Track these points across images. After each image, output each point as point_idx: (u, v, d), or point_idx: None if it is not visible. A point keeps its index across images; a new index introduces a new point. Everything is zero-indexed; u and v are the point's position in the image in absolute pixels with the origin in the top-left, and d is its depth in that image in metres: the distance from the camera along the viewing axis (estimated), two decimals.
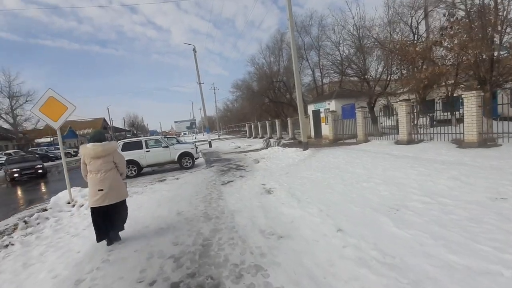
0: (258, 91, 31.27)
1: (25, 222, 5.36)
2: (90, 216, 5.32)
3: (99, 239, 3.83)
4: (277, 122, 24.05)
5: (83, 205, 6.38)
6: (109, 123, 56.08)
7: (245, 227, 3.96)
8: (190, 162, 11.51)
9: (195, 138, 40.89)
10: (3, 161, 19.69)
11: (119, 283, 2.74)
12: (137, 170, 10.72)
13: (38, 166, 14.83)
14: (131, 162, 10.29)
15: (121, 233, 4.05)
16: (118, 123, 69.38)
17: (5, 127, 34.25)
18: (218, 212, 4.88)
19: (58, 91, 6.44)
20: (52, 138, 37.38)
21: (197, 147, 12.49)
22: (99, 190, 3.72)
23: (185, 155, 11.47)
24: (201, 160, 13.62)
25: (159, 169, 12.00)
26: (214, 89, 52.13)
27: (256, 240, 3.46)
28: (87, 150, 3.76)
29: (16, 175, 13.92)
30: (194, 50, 23.57)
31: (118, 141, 10.75)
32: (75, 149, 32.63)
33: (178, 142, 16.48)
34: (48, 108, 6.36)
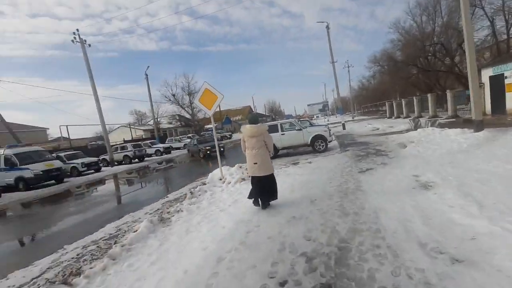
0: (403, 61, 26.09)
1: (191, 193, 6.69)
2: (235, 194, 6.10)
3: (255, 202, 4.70)
4: (429, 97, 19.22)
5: (230, 182, 7.32)
6: (253, 110, 64.61)
7: (395, 234, 3.07)
8: (323, 145, 11.03)
9: (328, 120, 39.68)
10: (187, 142, 26.88)
11: (252, 272, 2.70)
12: (273, 152, 11.38)
13: (221, 145, 19.11)
14: None
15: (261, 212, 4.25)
16: (260, 109, 78.61)
17: (187, 117, 46.23)
18: (356, 206, 4.15)
19: (216, 87, 7.47)
20: (216, 124, 47.40)
21: (330, 130, 11.81)
22: (254, 163, 4.54)
23: (318, 138, 11.09)
24: (334, 143, 12.81)
25: (293, 151, 12.25)
26: (348, 66, 47.83)
27: (415, 257, 2.53)
28: (246, 130, 4.61)
29: (208, 152, 18.32)
30: (327, 27, 22.51)
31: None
32: (230, 133, 42.91)
33: (311, 125, 16.30)
34: (204, 98, 7.61)
